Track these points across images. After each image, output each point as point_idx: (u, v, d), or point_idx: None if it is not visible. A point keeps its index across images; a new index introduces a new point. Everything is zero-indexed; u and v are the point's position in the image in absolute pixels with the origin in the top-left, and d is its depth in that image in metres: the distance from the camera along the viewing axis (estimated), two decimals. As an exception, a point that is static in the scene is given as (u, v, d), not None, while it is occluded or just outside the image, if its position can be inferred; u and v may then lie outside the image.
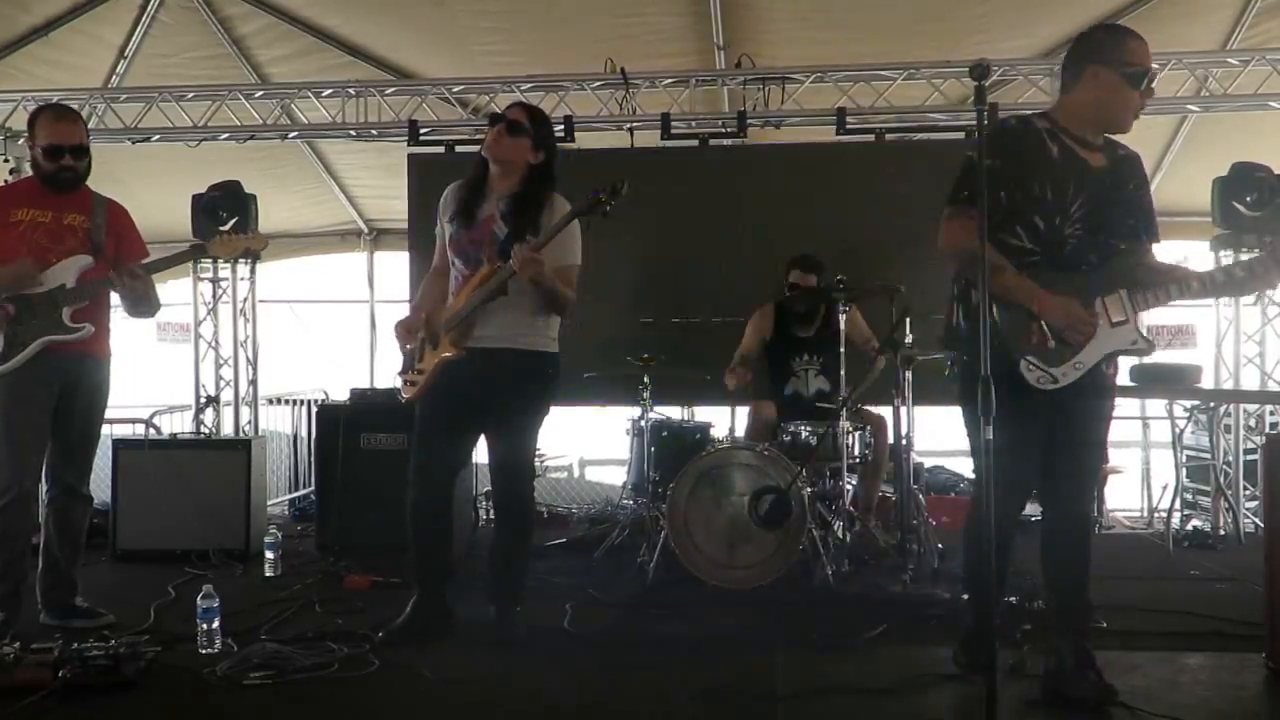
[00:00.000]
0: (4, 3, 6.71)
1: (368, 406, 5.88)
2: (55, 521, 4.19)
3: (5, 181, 6.56)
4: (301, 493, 7.76)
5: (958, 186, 3.27)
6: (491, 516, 5.18)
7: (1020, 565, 4.56)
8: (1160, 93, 6.21)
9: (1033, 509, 6.57)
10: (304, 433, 8.15)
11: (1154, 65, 3.23)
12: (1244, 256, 6.59)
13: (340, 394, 6.68)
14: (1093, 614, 3.45)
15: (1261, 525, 6.14)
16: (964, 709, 3.24)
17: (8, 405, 4.00)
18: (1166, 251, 3.76)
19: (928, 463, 6.59)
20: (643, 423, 5.40)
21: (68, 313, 4.03)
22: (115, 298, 4.17)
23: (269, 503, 6.54)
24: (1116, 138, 3.34)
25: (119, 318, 4.29)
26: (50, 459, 4.15)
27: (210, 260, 7.20)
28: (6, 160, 6.90)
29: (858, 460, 5.19)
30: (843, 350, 5.07)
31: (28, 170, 6.65)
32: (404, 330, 4.10)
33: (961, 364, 3.38)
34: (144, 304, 4.19)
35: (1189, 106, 6.51)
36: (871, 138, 6.55)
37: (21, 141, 6.80)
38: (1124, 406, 7.66)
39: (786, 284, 5.64)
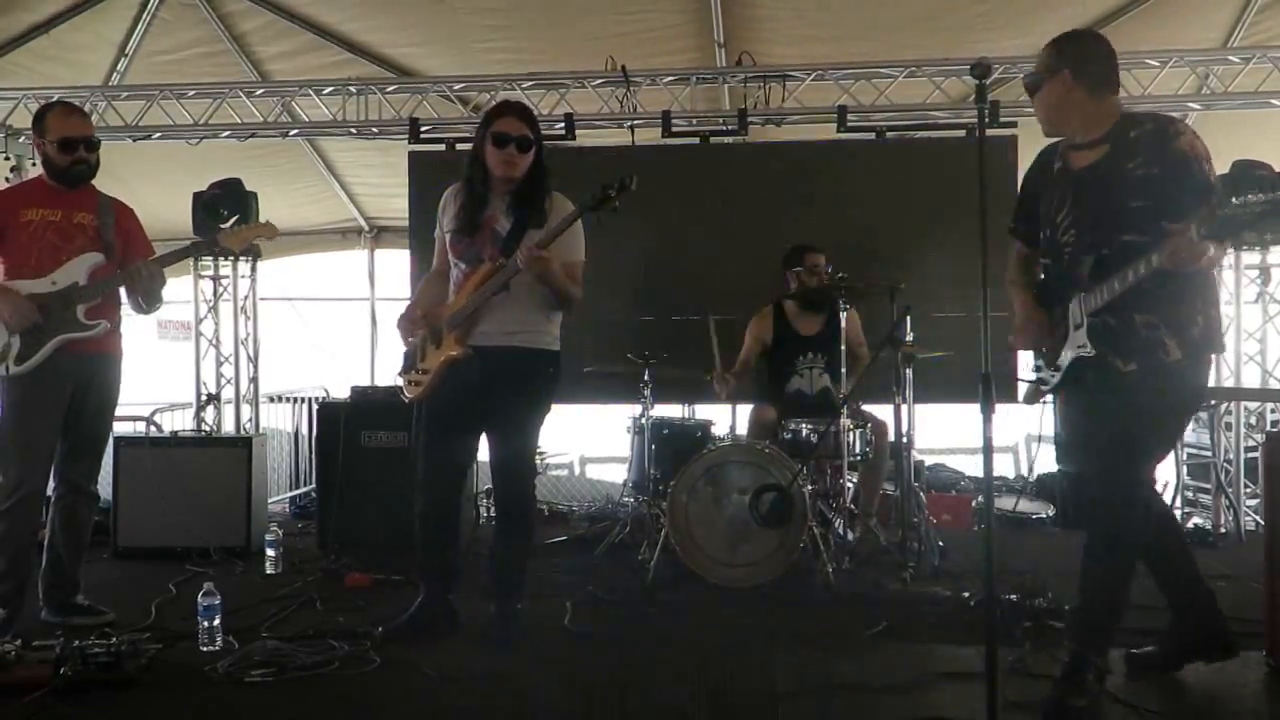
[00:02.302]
0: (5, 0, 6.71)
1: (368, 404, 5.88)
2: (61, 519, 4.20)
3: (5, 179, 6.57)
4: (302, 490, 7.77)
5: None
6: (492, 514, 5.18)
7: (1019, 564, 4.57)
8: (1161, 90, 6.31)
9: (1032, 507, 6.60)
10: (305, 430, 8.16)
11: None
12: (1244, 254, 6.61)
13: (341, 392, 6.68)
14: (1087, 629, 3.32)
15: (1262, 523, 6.13)
16: (965, 707, 3.23)
17: (23, 405, 4.01)
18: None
19: (928, 460, 6.59)
20: (643, 420, 5.40)
21: (82, 310, 4.04)
22: (123, 295, 4.18)
23: (270, 500, 6.55)
24: (1145, 111, 3.48)
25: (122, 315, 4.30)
26: (59, 457, 4.15)
27: (211, 258, 7.21)
28: (7, 158, 6.90)
29: (858, 458, 5.18)
30: (843, 348, 5.07)
31: (29, 168, 6.71)
32: (407, 324, 4.08)
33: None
34: (153, 299, 4.21)
35: (1190, 105, 6.50)
36: (872, 136, 6.55)
37: (23, 139, 6.81)
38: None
39: (801, 270, 5.63)
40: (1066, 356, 3.29)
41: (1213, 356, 3.39)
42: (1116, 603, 3.25)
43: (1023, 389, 3.60)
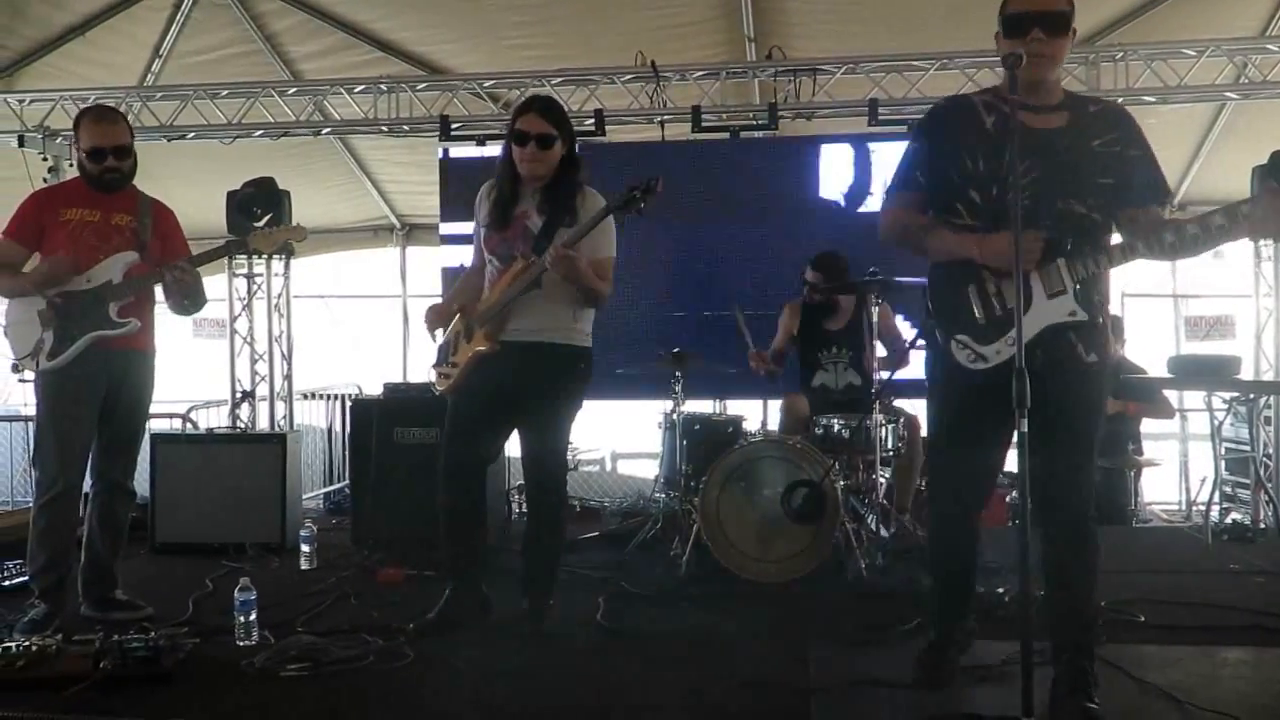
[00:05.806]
0: (41, 2, 6.80)
1: (401, 401, 5.90)
2: (99, 515, 4.25)
3: (44, 180, 6.66)
4: (336, 486, 7.83)
5: (892, 178, 3.30)
6: (524, 510, 5.19)
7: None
8: (1198, 80, 6.23)
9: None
10: (338, 427, 8.23)
11: (1033, 9, 2.96)
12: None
13: (374, 388, 6.73)
14: (1094, 632, 3.22)
15: (1302, 519, 6.04)
16: (997, 703, 3.21)
17: (55, 401, 4.07)
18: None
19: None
20: (675, 416, 5.39)
21: (114, 308, 4.08)
22: (159, 294, 4.23)
23: (304, 496, 6.59)
24: (1100, 94, 3.26)
25: (158, 313, 4.34)
26: (95, 453, 4.20)
27: (245, 256, 7.28)
28: (45, 159, 7.00)
29: (890, 453, 5.15)
30: (877, 342, 5.03)
31: (66, 168, 6.80)
32: (434, 316, 4.12)
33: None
34: (191, 299, 4.24)
35: (1228, 94, 6.41)
36: (904, 129, 6.50)
37: (60, 140, 6.91)
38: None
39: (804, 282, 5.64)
40: (1032, 328, 2.93)
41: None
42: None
43: None
